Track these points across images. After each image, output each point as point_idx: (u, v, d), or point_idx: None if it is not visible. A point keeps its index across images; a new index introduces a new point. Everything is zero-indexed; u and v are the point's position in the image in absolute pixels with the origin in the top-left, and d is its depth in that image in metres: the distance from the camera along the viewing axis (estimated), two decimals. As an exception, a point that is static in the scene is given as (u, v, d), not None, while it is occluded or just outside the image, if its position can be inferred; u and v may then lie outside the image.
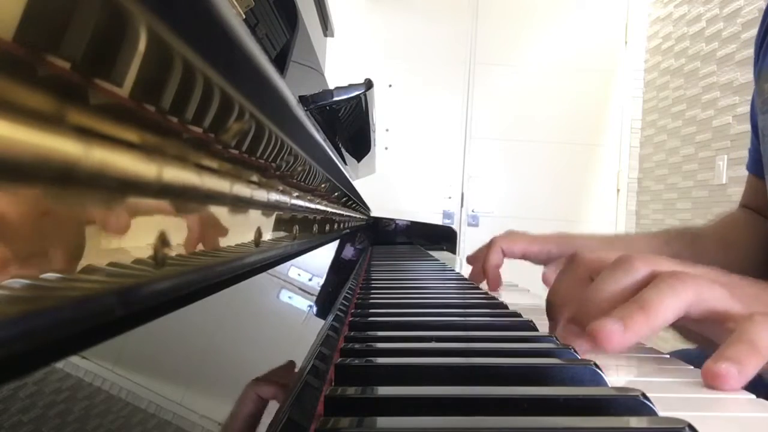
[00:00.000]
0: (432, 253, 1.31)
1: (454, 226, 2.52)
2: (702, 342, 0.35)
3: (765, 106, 0.70)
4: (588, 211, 3.30)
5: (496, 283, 0.69)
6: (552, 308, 0.42)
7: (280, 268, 0.34)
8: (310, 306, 0.38)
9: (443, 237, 1.70)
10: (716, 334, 0.33)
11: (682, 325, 0.35)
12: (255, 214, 0.26)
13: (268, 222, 0.28)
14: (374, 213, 1.66)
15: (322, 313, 0.39)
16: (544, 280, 0.63)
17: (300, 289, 0.39)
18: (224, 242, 0.21)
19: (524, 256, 0.70)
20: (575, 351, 0.32)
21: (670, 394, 0.30)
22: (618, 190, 3.28)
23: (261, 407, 0.20)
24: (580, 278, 0.41)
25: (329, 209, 0.57)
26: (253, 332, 0.27)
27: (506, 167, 3.32)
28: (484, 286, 0.70)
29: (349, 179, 0.80)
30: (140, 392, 0.14)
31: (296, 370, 0.26)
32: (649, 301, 0.33)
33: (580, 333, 0.33)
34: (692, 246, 0.74)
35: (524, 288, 0.75)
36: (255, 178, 0.24)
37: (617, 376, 0.32)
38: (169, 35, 0.12)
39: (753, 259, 0.76)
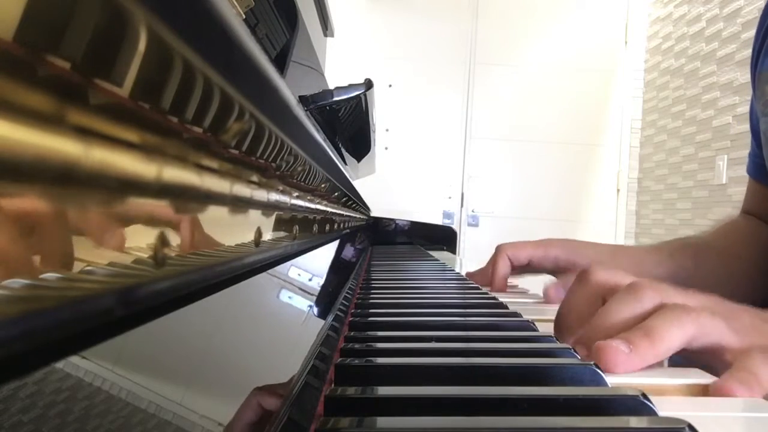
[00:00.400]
0: (432, 253, 1.31)
1: (454, 226, 2.53)
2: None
3: (766, 109, 0.69)
4: (588, 211, 3.30)
5: (502, 290, 0.69)
6: (562, 323, 0.42)
7: (280, 268, 0.34)
8: (310, 306, 0.38)
9: (443, 237, 1.70)
10: (712, 365, 0.34)
11: (679, 355, 0.36)
12: (255, 214, 0.26)
13: (268, 222, 0.28)
14: (374, 213, 1.66)
15: (322, 313, 0.39)
16: (545, 295, 0.63)
17: (300, 289, 0.39)
18: (224, 242, 0.21)
19: (530, 262, 0.69)
20: (575, 350, 0.32)
21: (670, 394, 0.30)
22: (618, 190, 3.28)
23: (261, 407, 0.20)
24: (592, 296, 0.41)
25: (329, 209, 0.57)
26: (253, 332, 0.27)
27: (506, 167, 3.32)
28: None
29: (349, 179, 0.80)
30: (140, 392, 0.14)
31: (296, 370, 0.26)
32: (654, 329, 0.33)
33: (587, 355, 0.34)
34: (695, 259, 0.73)
35: (523, 289, 0.75)
36: (255, 178, 0.24)
37: (617, 377, 0.32)
38: (169, 35, 0.12)
39: (756, 268, 0.75)
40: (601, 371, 0.29)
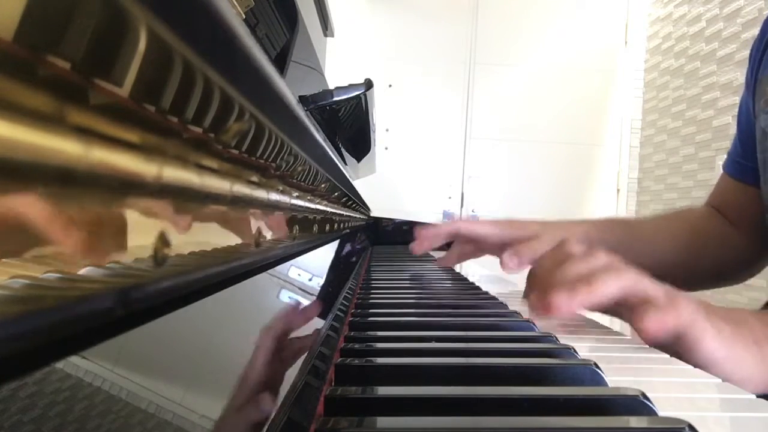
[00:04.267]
0: (432, 253, 1.31)
1: (454, 226, 2.52)
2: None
3: (767, 107, 0.72)
4: (588, 211, 3.30)
5: (424, 242, 0.73)
6: (533, 277, 0.51)
7: (280, 268, 0.34)
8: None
9: (443, 237, 1.69)
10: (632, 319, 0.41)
11: (611, 308, 0.44)
12: (255, 214, 0.26)
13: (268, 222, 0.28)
14: (374, 213, 1.66)
15: (322, 313, 0.39)
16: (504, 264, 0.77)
17: (300, 289, 0.39)
18: (224, 242, 0.21)
19: (486, 237, 0.73)
20: (575, 351, 0.32)
21: (670, 394, 0.30)
22: (618, 190, 3.28)
23: (261, 407, 0.20)
24: (560, 260, 0.48)
25: (329, 209, 0.57)
26: (253, 332, 0.27)
27: (506, 167, 3.32)
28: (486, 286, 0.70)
29: (349, 179, 0.80)
30: (140, 392, 0.14)
31: (296, 370, 0.26)
32: (595, 279, 0.41)
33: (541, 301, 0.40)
34: (630, 231, 0.79)
35: (513, 281, 0.76)
36: (255, 178, 0.24)
37: (617, 376, 0.32)
38: (169, 35, 0.12)
39: (712, 254, 0.80)
40: (601, 371, 0.29)
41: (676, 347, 0.40)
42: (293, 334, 0.33)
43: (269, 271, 0.31)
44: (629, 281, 0.41)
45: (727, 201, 0.84)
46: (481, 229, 0.73)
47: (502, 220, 0.77)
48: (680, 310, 0.38)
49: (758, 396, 0.30)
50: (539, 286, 0.47)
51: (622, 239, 0.77)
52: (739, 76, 2.31)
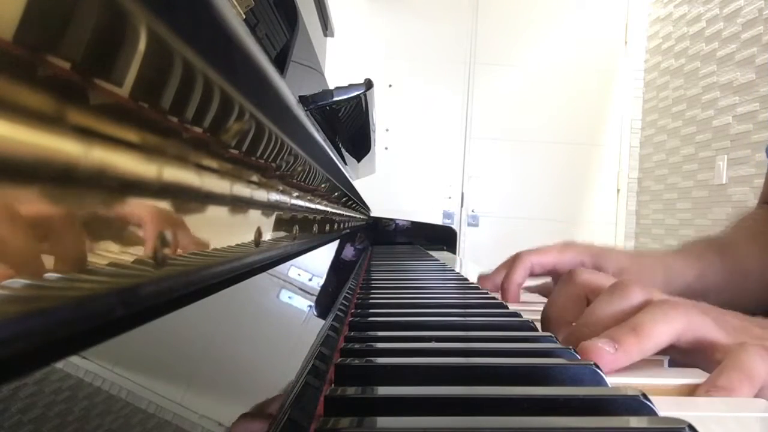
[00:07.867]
0: (432, 253, 1.31)
1: (454, 226, 2.53)
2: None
3: None
4: (588, 211, 3.30)
5: (514, 300, 0.61)
6: (547, 323, 0.43)
7: (280, 268, 0.34)
8: (310, 306, 0.38)
9: (443, 237, 1.70)
10: (703, 365, 0.33)
11: (669, 356, 0.35)
12: (255, 214, 0.26)
13: (268, 222, 0.28)
14: (374, 213, 1.66)
15: (322, 313, 0.39)
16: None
17: (300, 289, 0.39)
18: (224, 242, 0.21)
19: (555, 267, 0.62)
20: (575, 350, 0.32)
21: (667, 394, 0.30)
22: (618, 190, 3.28)
23: (262, 407, 0.20)
24: (577, 296, 0.41)
25: (329, 209, 0.57)
26: (253, 332, 0.27)
27: (506, 167, 3.32)
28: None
29: (349, 179, 0.80)
30: (140, 392, 0.14)
31: (296, 370, 0.26)
32: (641, 324, 0.33)
33: None
34: (720, 255, 0.68)
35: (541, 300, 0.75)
36: (255, 178, 0.24)
37: (617, 377, 0.32)
38: (169, 35, 0.12)
39: None
40: (602, 371, 0.29)
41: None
42: (293, 335, 0.33)
43: (269, 271, 0.31)
44: (681, 323, 0.33)
45: None
46: (555, 259, 0.61)
47: (578, 244, 0.64)
48: (753, 372, 0.30)
49: None
50: (562, 329, 0.39)
51: (716, 264, 0.65)
52: (739, 76, 2.31)
